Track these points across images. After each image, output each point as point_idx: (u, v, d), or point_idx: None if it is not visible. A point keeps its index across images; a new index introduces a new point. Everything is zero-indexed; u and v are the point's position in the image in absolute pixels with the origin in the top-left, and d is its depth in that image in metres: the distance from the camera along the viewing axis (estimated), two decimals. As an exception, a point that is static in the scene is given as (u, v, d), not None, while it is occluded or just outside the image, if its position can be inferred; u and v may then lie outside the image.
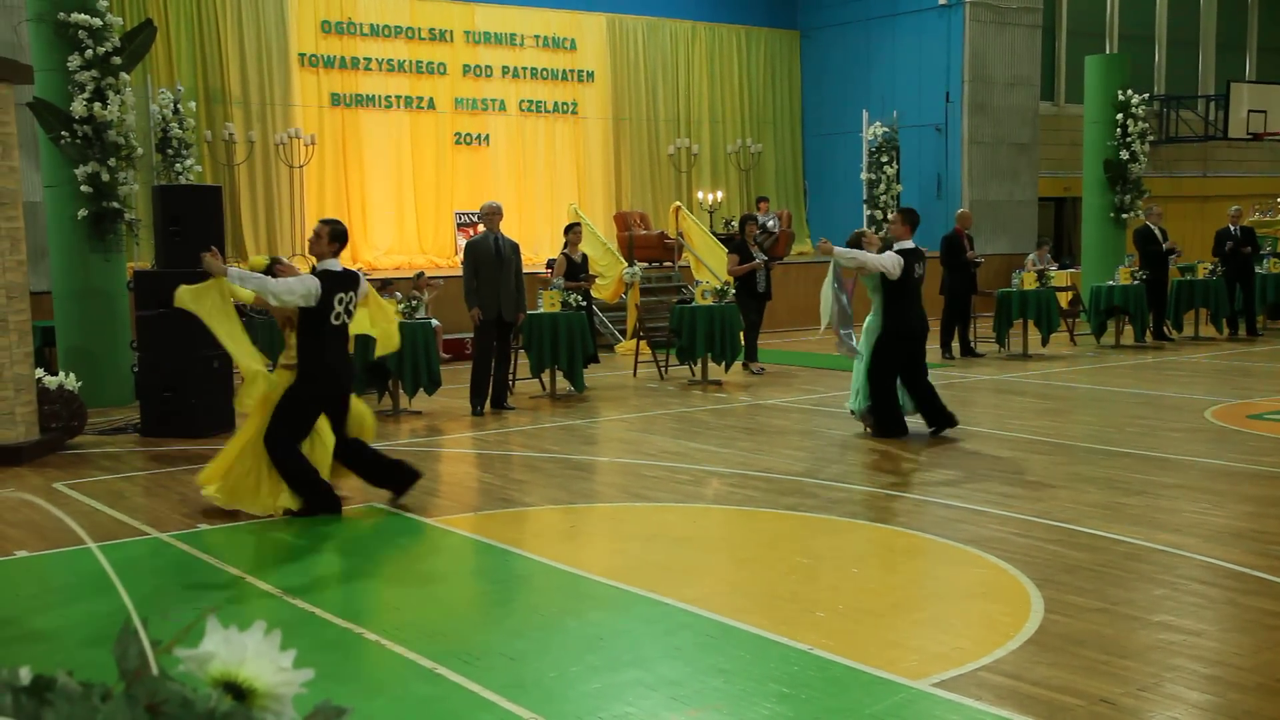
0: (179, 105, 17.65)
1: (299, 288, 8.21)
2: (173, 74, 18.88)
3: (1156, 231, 18.69)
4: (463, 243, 13.62)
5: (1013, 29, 24.13)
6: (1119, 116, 22.05)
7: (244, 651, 1.30)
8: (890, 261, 11.04)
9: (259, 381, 8.55)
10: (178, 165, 17.37)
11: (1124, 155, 22.04)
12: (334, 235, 8.70)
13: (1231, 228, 19.70)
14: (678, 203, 21.55)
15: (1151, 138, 23.37)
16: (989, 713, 5.06)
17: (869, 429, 11.32)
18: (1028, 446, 10.91)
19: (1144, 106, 22.69)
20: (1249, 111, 26.25)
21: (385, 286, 14.17)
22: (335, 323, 8.50)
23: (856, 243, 11.63)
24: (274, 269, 8.77)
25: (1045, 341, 18.21)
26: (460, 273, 13.51)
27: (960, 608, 6.56)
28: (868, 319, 11.51)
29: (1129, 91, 22.23)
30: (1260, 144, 27.06)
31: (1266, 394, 14.00)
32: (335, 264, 8.65)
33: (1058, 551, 7.46)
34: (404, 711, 5.20)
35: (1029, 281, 18.05)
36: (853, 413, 11.57)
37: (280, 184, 20.28)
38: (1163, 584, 6.86)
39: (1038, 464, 10.21)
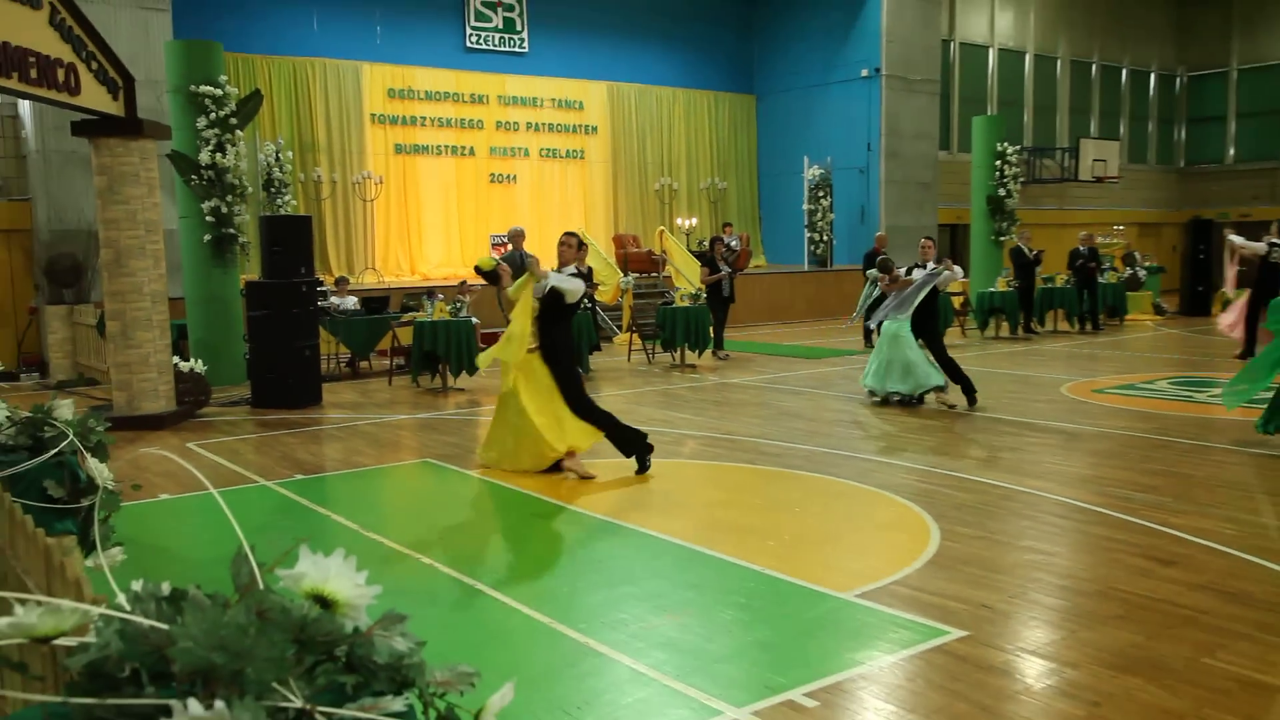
0: (279, 154, 17.76)
1: (581, 285, 8.21)
2: (275, 129, 18.89)
3: (1025, 250, 18.77)
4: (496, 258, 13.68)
5: (917, 95, 24.13)
6: (997, 163, 22.05)
7: (328, 572, 1.33)
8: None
9: (514, 343, 8.12)
10: (278, 200, 17.46)
11: (1001, 192, 22.05)
12: (580, 244, 8.90)
13: (1081, 248, 19.84)
14: (662, 227, 21.53)
15: (1021, 179, 23.37)
16: (898, 616, 5.11)
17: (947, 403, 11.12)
18: (929, 414, 10.96)
19: (1016, 155, 22.70)
20: (1093, 160, 26.41)
21: (430, 294, 14.18)
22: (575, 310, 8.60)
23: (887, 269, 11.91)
24: (498, 270, 8.46)
25: (944, 334, 18.27)
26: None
27: (877, 537, 6.60)
28: (900, 321, 11.28)
29: (1005, 144, 22.23)
30: (1102, 185, 27.19)
31: (1106, 374, 14.06)
32: (574, 267, 8.46)
33: (950, 494, 7.50)
34: (452, 617, 5.25)
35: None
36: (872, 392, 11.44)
37: (356, 214, 20.30)
38: (1028, 518, 6.90)
39: (936, 426, 10.27)
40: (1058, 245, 23.06)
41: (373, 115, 20.49)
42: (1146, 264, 23.34)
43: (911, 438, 9.68)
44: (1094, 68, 29.32)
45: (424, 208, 21.22)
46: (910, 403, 11.24)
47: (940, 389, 11.08)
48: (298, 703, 1.21)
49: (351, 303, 14.64)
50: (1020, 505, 7.22)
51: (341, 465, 8.86)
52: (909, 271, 11.47)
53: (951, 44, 25.83)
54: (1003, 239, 21.00)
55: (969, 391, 11.12)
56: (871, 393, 11.55)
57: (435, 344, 12.73)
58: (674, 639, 4.83)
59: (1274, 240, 16.82)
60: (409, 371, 13.52)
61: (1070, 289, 19.69)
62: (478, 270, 8.27)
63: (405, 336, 13.78)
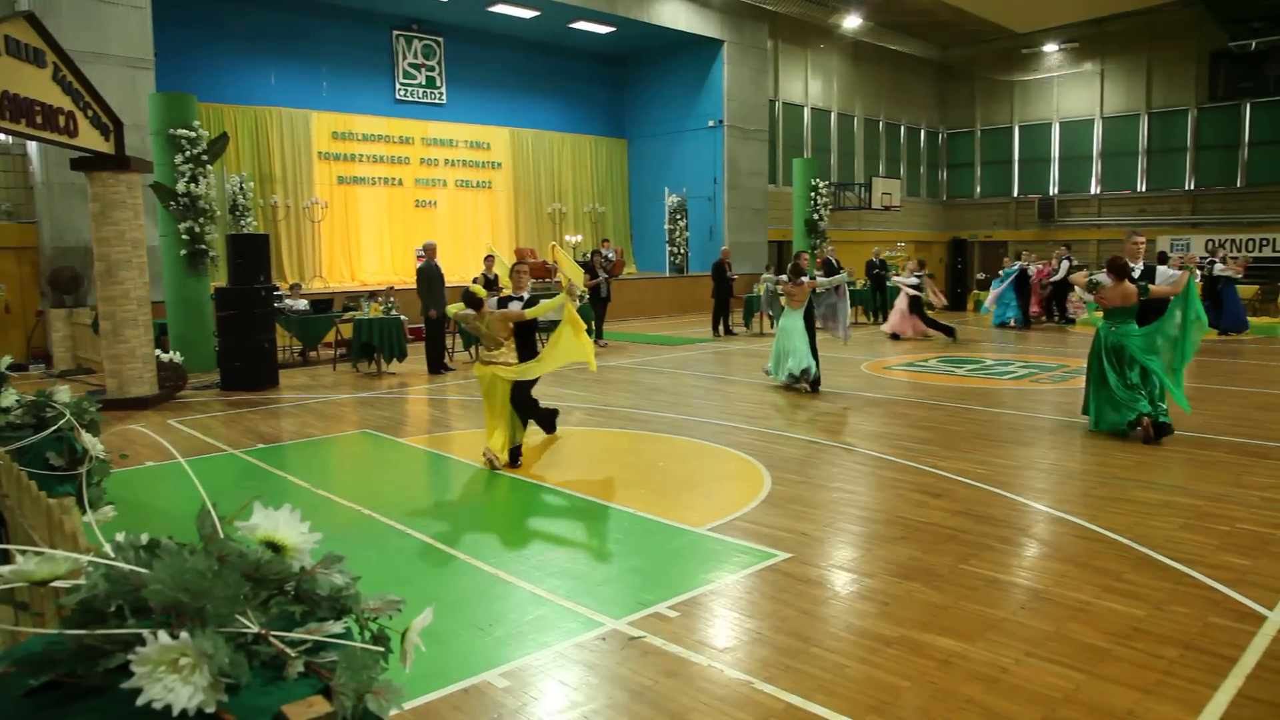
0: (243, 184, 17.12)
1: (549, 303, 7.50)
2: (239, 164, 18.14)
3: (834, 260, 19.15)
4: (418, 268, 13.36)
5: (751, 141, 24.44)
6: (812, 194, 22.53)
7: (278, 522, 1.28)
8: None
9: (579, 336, 7.35)
10: (242, 221, 16.83)
11: (815, 217, 22.54)
12: (531, 271, 8.73)
13: (874, 259, 20.39)
14: (554, 242, 21.37)
15: (830, 207, 23.93)
16: (739, 544, 5.18)
17: (808, 388, 10.43)
18: (759, 386, 11.13)
19: (825, 189, 23.23)
20: (882, 193, 27.12)
21: (374, 295, 13.87)
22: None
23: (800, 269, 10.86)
24: (483, 300, 7.47)
25: (773, 325, 18.56)
26: (412, 287, 13.31)
27: (724, 484, 6.66)
28: (794, 317, 10.68)
29: (817, 180, 22.74)
30: (889, 212, 27.98)
31: (893, 355, 14.49)
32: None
33: (779, 449, 7.64)
34: (386, 556, 5.14)
35: (762, 290, 18.38)
36: (789, 375, 10.52)
37: (305, 233, 19.63)
38: (837, 465, 7.08)
39: (765, 396, 10.44)
40: (858, 257, 23.67)
41: (320, 153, 19.84)
42: (925, 274, 24.08)
43: (751, 407, 9.82)
44: (881, 124, 30.14)
45: (361, 227, 20.67)
46: (798, 382, 10.47)
47: (807, 371, 10.40)
48: (254, 628, 1.18)
49: (302, 304, 14.23)
50: (832, 456, 7.40)
51: (295, 436, 8.57)
52: (809, 276, 11.00)
53: (776, 103, 26.21)
54: (816, 251, 21.46)
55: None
56: (768, 373, 11.03)
57: (371, 336, 12.56)
58: (566, 568, 4.81)
59: (1066, 257, 18.57)
60: (350, 359, 13.25)
61: (866, 290, 20.25)
62: (467, 297, 7.28)
63: (346, 331, 13.46)
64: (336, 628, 1.28)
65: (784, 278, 11.05)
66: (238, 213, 16.93)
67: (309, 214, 19.55)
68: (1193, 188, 26.96)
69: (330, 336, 14.04)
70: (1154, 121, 27.77)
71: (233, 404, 10.41)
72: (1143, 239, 8.52)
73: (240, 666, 1.09)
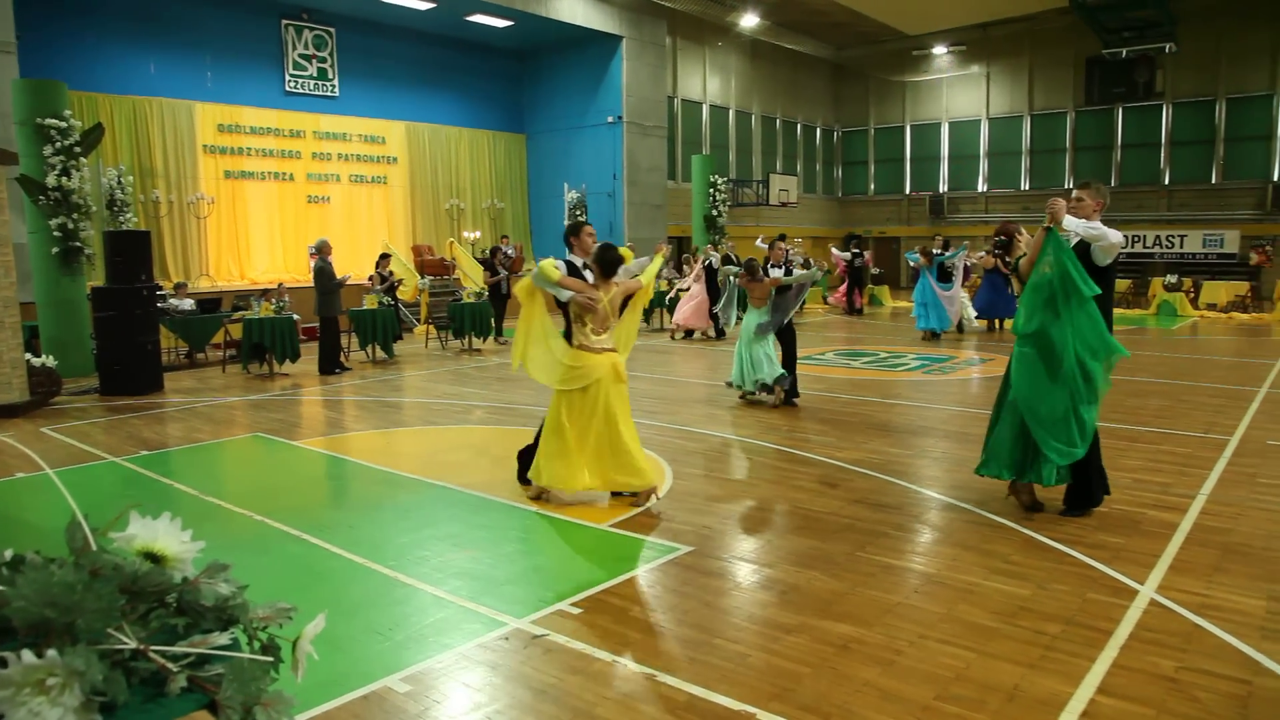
0: (121, 178, 16.29)
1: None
2: (117, 157, 17.29)
3: (733, 255, 19.35)
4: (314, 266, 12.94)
5: (650, 137, 24.57)
6: (710, 190, 22.79)
7: (156, 531, 1.24)
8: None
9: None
10: (121, 218, 16.05)
11: (714, 212, 22.82)
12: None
13: (710, 259, 20.63)
14: (451, 239, 21.17)
15: (728, 203, 24.28)
16: (642, 539, 5.21)
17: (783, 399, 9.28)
18: (660, 381, 11.21)
19: (724, 185, 23.56)
20: (779, 190, 27.64)
21: (265, 293, 13.43)
22: None
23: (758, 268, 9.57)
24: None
25: (673, 319, 18.73)
26: (305, 285, 12.93)
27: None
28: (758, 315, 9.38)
29: (715, 176, 23.04)
30: (785, 208, 28.52)
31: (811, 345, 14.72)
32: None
33: (682, 444, 7.71)
34: (280, 563, 4.98)
35: (663, 285, 18.54)
36: (762, 386, 9.30)
37: (191, 229, 18.83)
38: (737, 458, 7.19)
39: (666, 391, 10.51)
40: (756, 253, 24.04)
41: (205, 146, 19.03)
42: (747, 259, 24.58)
43: (652, 402, 9.86)
44: (778, 122, 30.71)
45: (251, 223, 19.94)
46: (769, 392, 9.35)
47: (781, 380, 9.20)
48: (132, 644, 1.13)
49: (188, 304, 13.68)
50: (731, 450, 7.51)
51: (182, 441, 8.23)
52: (766, 273, 9.74)
53: (675, 99, 26.42)
54: (716, 248, 21.68)
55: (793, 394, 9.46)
56: (730, 384, 9.76)
57: (262, 337, 12.15)
58: (468, 569, 4.76)
59: (855, 250, 19.11)
60: (240, 361, 12.77)
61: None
62: (606, 260, 5.75)
63: (236, 331, 12.99)
64: (222, 639, 1.24)
65: (739, 270, 9.86)
66: (116, 208, 16.14)
67: (194, 210, 18.79)
68: (1071, 187, 28.30)
69: (219, 337, 13.54)
70: (1036, 123, 29.08)
71: (113, 409, 9.92)
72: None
73: (116, 684, 1.05)
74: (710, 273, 16.31)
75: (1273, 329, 17.72)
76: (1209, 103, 26.03)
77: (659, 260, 6.28)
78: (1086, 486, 5.46)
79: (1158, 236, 26.15)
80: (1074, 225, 5.11)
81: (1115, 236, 5.19)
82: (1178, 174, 26.71)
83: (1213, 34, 25.41)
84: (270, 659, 1.28)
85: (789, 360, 9.42)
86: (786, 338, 9.44)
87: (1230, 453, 7.16)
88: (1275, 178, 25.12)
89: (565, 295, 5.71)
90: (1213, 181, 26.17)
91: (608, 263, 5.71)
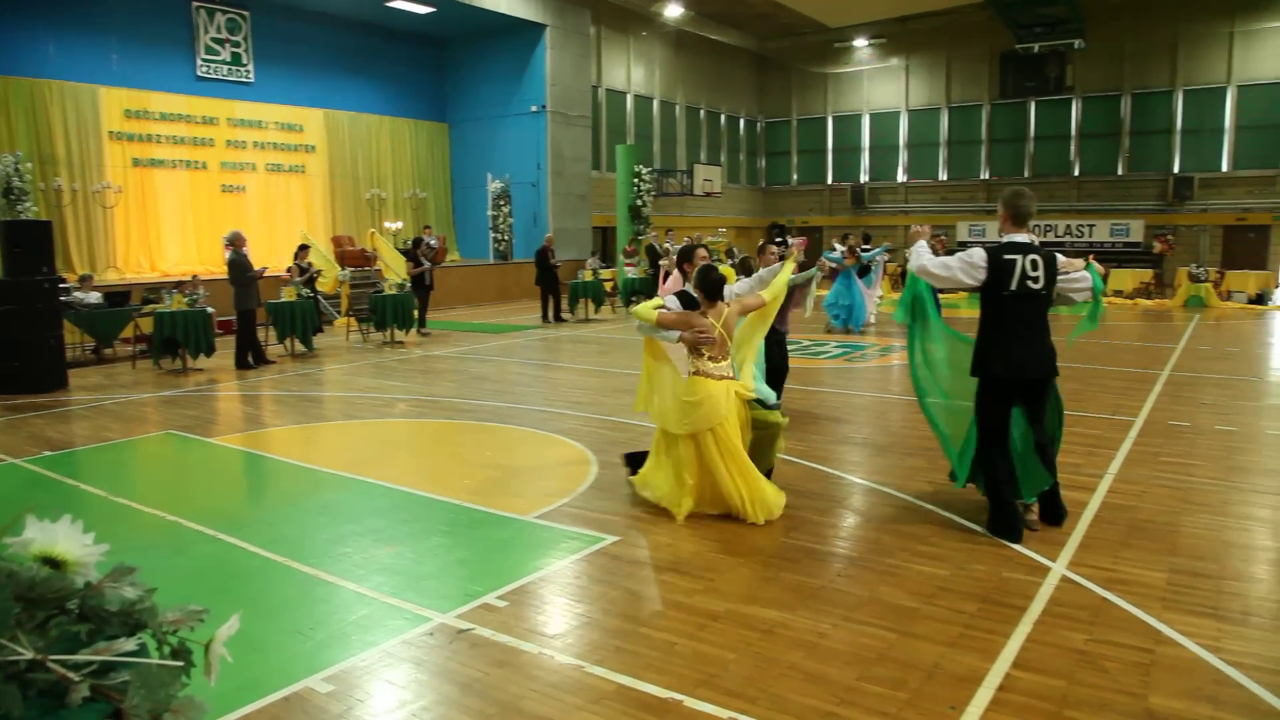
0: (19, 165, 15.52)
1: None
2: (14, 143, 16.50)
3: (658, 247, 19.43)
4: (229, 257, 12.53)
5: (574, 127, 24.47)
6: (635, 181, 22.82)
7: (55, 535, 1.19)
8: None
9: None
10: (19, 207, 15.30)
11: (639, 203, 22.85)
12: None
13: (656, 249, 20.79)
14: (373, 229, 20.77)
15: (653, 193, 24.33)
16: (568, 530, 5.21)
17: None
18: (585, 372, 11.21)
19: (648, 175, 23.60)
20: (704, 180, 27.83)
21: (178, 286, 12.99)
22: None
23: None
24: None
25: (597, 310, 18.77)
26: (220, 278, 12.55)
27: (551, 470, 6.66)
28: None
29: (640, 167, 23.06)
30: (710, 198, 28.74)
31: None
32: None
33: (606, 434, 7.71)
34: (196, 565, 4.84)
35: (588, 275, 18.52)
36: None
37: (96, 219, 18.06)
38: (662, 448, 7.22)
39: (591, 382, 10.51)
40: (681, 243, 24.14)
41: (111, 132, 18.25)
42: (742, 256, 24.90)
43: (578, 393, 9.85)
44: (702, 113, 30.87)
45: (162, 213, 19.22)
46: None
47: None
48: (28, 655, 1.08)
49: (95, 297, 13.15)
50: (657, 439, 7.54)
51: (90, 440, 7.92)
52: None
53: (599, 89, 26.35)
54: (641, 239, 21.76)
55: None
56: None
57: (175, 331, 11.73)
58: (390, 565, 4.69)
59: (779, 240, 18.74)
60: (151, 356, 12.32)
61: (649, 277, 20.63)
62: (708, 283, 5.39)
63: (147, 325, 12.51)
64: (129, 645, 1.20)
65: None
66: (13, 197, 15.38)
67: (100, 199, 18.05)
68: (987, 177, 29.13)
69: (128, 332, 13.05)
70: (953, 115, 29.80)
71: (13, 408, 9.50)
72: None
73: (10, 697, 1.01)
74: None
75: (1175, 314, 18.51)
76: (1115, 97, 27.01)
77: (789, 267, 5.75)
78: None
79: (1068, 226, 27.06)
80: (911, 257, 5.16)
81: (917, 261, 5.06)
82: (1087, 166, 27.67)
83: (1118, 32, 26.36)
84: (180, 664, 1.24)
85: (776, 377, 7.55)
86: (775, 352, 7.56)
87: (1136, 433, 7.46)
88: (1176, 170, 26.21)
89: (672, 336, 5.37)
90: (1119, 173, 27.18)
91: (710, 286, 5.35)
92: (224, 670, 1.31)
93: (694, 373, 5.34)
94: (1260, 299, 20.47)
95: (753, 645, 3.71)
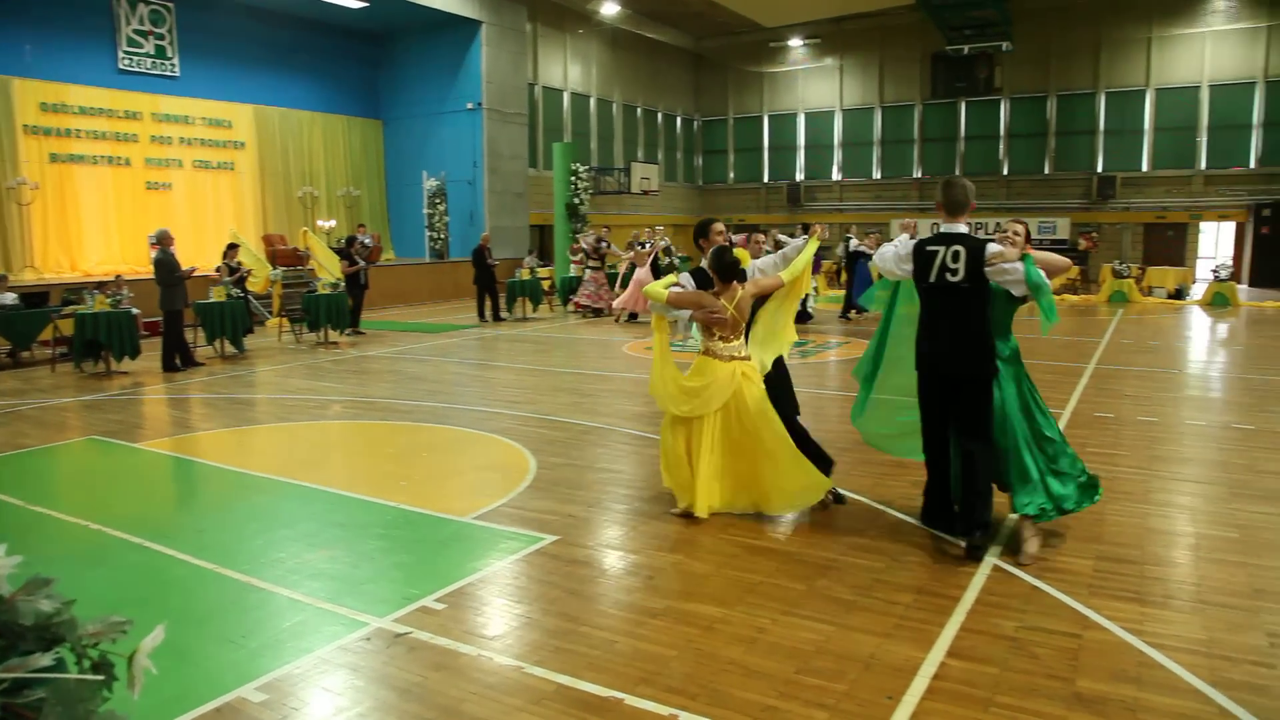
0: (-74, 159, 14.89)
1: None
2: (-81, 137, 15.83)
3: (600, 245, 19.36)
4: (154, 257, 12.17)
5: (511, 125, 24.31)
6: (572, 178, 22.75)
7: (-38, 548, 1.14)
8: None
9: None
10: (-73, 202, 14.69)
11: (576, 200, 22.78)
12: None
13: (646, 244, 20.59)
14: (305, 228, 20.36)
15: (590, 191, 24.28)
16: (506, 530, 5.17)
17: None
18: (523, 371, 11.14)
19: (586, 173, 23.54)
20: (641, 178, 27.85)
21: (101, 286, 12.57)
22: None
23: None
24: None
25: (535, 309, 18.68)
26: (146, 278, 12.18)
27: (488, 471, 6.61)
28: None
29: (577, 164, 22.99)
30: (647, 196, 28.79)
31: (649, 336, 14.88)
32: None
33: (544, 433, 7.68)
34: (120, 575, 4.69)
35: (525, 274, 18.40)
36: None
37: (11, 217, 17.36)
38: (601, 446, 7.22)
39: (529, 381, 10.45)
40: (618, 241, 24.15)
41: (25, 126, 17.55)
42: (679, 255, 24.99)
43: (515, 392, 9.79)
44: (639, 111, 30.91)
45: (83, 211, 18.56)
46: None
47: None
48: (-67, 673, 1.04)
49: (10, 298, 12.64)
50: (596, 438, 7.53)
51: (5, 448, 7.61)
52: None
53: (536, 86, 26.21)
54: (577, 235, 21.69)
55: None
56: None
57: (97, 333, 11.34)
58: (325, 569, 4.61)
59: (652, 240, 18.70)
60: (72, 359, 11.90)
61: (628, 272, 20.63)
62: (724, 265, 5.29)
63: (67, 327, 12.09)
64: (45, 660, 1.16)
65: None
66: (-78, 194, 14.76)
67: (14, 196, 17.38)
68: (920, 176, 29.70)
69: (48, 334, 12.58)
70: (886, 115, 30.31)
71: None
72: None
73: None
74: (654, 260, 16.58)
75: (1100, 309, 19.09)
76: (1041, 98, 27.75)
77: (813, 246, 5.55)
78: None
79: (997, 224, 27.69)
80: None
81: (879, 252, 5.03)
82: (1015, 165, 28.38)
83: (1044, 35, 27.08)
84: (101, 678, 1.21)
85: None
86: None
87: (1063, 425, 7.67)
88: (1099, 170, 27.03)
89: (683, 315, 5.33)
90: (1046, 172, 27.94)
91: (725, 267, 5.25)
92: (150, 682, 1.27)
93: (703, 352, 5.30)
94: (1179, 294, 21.21)
95: (693, 642, 3.73)
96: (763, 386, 5.26)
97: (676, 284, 5.42)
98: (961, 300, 4.68)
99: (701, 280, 5.37)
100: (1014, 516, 4.86)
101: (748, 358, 5.32)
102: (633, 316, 16.74)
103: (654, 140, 31.75)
